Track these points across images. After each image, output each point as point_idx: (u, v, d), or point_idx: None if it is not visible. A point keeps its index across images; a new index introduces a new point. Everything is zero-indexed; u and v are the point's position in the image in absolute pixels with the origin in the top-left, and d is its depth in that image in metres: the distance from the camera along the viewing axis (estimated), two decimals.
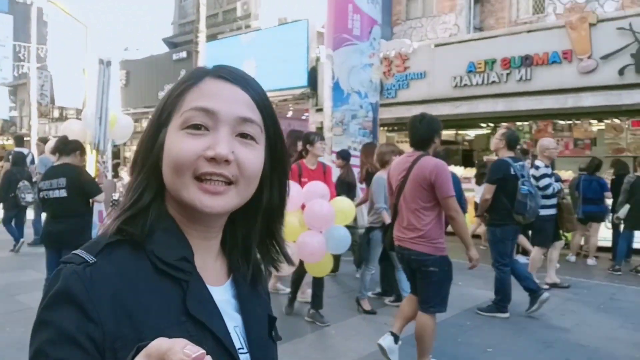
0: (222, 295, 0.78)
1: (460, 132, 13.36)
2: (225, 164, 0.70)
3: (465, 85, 10.71)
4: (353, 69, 8.75)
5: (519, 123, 11.09)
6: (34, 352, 0.62)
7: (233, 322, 0.77)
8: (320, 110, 11.65)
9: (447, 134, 13.42)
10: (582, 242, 8.36)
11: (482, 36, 11.30)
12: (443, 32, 13.53)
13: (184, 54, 16.39)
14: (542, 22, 11.52)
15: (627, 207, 7.26)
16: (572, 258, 8.09)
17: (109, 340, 0.62)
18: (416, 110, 11.06)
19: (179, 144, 0.71)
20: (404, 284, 4.76)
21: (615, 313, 5.28)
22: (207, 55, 12.78)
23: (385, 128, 13.01)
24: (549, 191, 5.79)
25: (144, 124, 18.19)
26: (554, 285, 6.23)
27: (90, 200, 4.65)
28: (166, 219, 0.74)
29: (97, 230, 4.75)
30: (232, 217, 0.80)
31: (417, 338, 3.50)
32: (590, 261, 7.95)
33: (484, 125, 11.91)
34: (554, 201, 5.99)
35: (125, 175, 13.05)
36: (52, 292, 0.64)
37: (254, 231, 0.84)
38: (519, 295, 5.13)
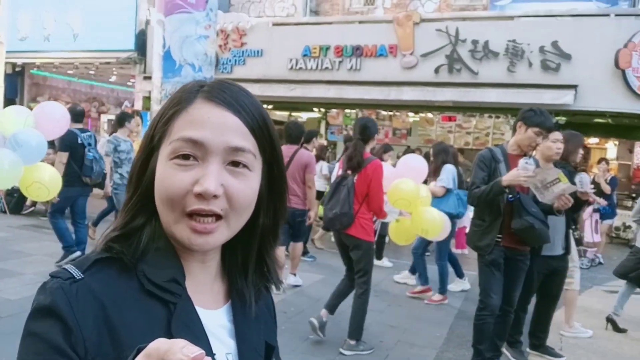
0: (217, 319, 0.77)
1: (293, 114, 13.60)
2: (214, 199, 0.69)
3: (300, 68, 10.84)
4: (187, 40, 8.18)
5: (347, 110, 11.65)
6: None
7: (225, 349, 0.75)
8: (148, 78, 10.79)
9: (280, 115, 13.53)
10: None
11: (317, 21, 11.54)
12: (281, 11, 13.49)
13: None
14: (372, 14, 12.16)
15: None
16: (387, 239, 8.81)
17: (90, 356, 0.63)
18: (252, 90, 10.98)
19: (167, 177, 0.69)
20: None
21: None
22: (16, 5, 10.98)
23: None
24: None
25: None
26: None
27: None
28: (160, 239, 0.73)
29: None
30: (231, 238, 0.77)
31: (293, 258, 5.75)
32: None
33: (316, 109, 12.26)
34: None
35: None
36: (38, 306, 0.65)
37: (252, 252, 0.81)
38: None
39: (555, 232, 3.85)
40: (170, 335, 0.66)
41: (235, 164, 0.71)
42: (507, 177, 3.26)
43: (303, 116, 13.55)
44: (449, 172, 5.39)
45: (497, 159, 3.46)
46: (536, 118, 3.37)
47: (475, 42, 9.58)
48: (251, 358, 0.77)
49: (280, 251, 5.21)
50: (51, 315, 0.64)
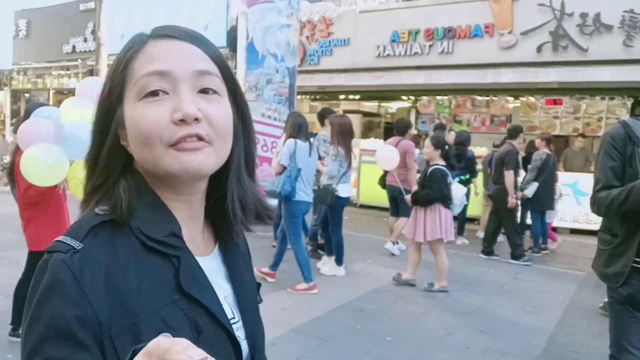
0: (211, 264, 0.77)
1: (382, 104, 13.15)
2: (195, 123, 0.68)
3: (388, 55, 10.39)
4: (269, 29, 8.12)
5: (438, 97, 11.00)
6: (29, 350, 0.60)
7: (223, 292, 0.77)
8: None
9: (369, 105, 13.16)
10: None
11: (407, 5, 10.98)
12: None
13: (92, 4, 14.88)
14: None
15: (535, 185, 7.21)
16: (481, 234, 8.05)
17: (105, 330, 0.61)
18: (338, 80, 10.78)
19: (142, 116, 0.68)
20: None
21: (517, 294, 5.21)
22: (114, 5, 11.63)
23: (308, 96, 12.54)
24: None
25: (48, 80, 16.54)
26: None
27: None
28: (147, 194, 0.72)
29: None
30: (211, 178, 0.77)
31: (395, 228, 6.50)
32: (500, 238, 7.95)
33: (405, 98, 11.73)
34: None
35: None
36: (41, 286, 0.62)
37: (230, 190, 0.80)
38: (428, 273, 4.92)
39: None
40: (179, 290, 0.67)
41: (205, 90, 0.70)
42: None
43: (392, 106, 13.06)
44: (286, 148, 4.85)
45: (635, 139, 2.15)
46: None
47: (584, 16, 8.53)
48: (248, 297, 0.81)
49: (401, 221, 6.19)
50: (58, 293, 0.60)
